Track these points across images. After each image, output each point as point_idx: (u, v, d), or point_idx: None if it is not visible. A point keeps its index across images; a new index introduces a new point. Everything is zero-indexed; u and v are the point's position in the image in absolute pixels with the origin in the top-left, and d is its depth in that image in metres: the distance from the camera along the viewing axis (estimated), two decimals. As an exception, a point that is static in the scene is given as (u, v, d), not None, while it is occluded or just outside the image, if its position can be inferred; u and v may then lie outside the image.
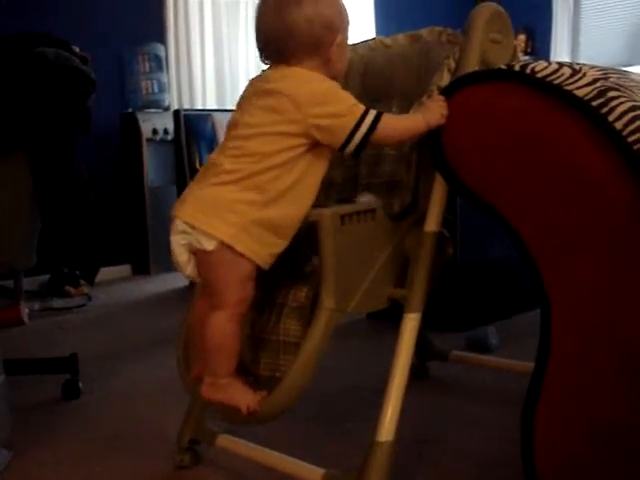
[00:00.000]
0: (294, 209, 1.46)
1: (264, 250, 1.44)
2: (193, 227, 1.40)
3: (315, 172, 1.48)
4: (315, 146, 1.45)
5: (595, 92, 1.28)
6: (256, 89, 1.50)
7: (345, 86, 1.87)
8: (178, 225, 1.43)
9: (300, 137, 1.42)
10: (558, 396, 1.34)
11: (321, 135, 1.42)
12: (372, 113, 1.43)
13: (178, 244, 1.43)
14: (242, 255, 1.41)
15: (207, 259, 1.42)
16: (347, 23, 1.51)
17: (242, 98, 1.53)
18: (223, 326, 1.45)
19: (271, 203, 1.42)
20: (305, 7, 1.43)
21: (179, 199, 1.48)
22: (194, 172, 4.05)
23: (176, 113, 4.43)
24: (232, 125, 1.50)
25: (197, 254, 1.44)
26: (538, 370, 1.36)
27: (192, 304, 1.69)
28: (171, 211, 1.47)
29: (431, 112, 1.49)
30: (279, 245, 1.46)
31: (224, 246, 1.39)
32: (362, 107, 1.44)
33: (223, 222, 1.39)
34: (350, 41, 1.55)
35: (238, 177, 1.41)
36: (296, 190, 1.44)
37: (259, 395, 1.48)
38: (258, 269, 1.46)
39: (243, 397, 1.47)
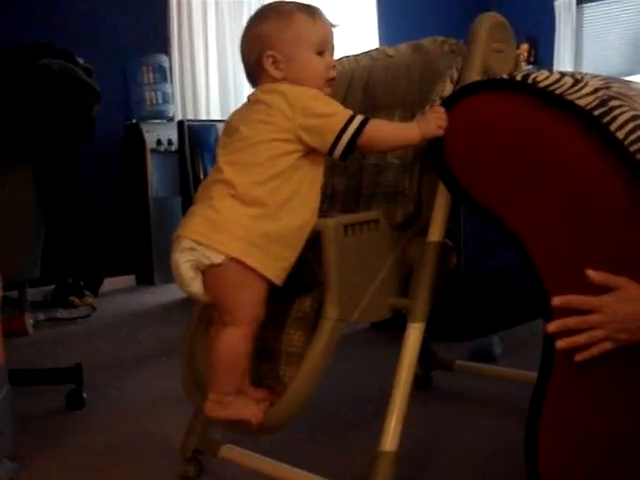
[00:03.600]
0: (298, 219, 1.46)
1: (275, 264, 1.44)
2: (200, 244, 1.40)
3: (312, 181, 1.49)
4: (308, 153, 1.46)
5: (597, 101, 1.29)
6: (248, 103, 1.54)
7: (347, 96, 1.89)
8: (183, 242, 1.42)
9: (292, 143, 1.44)
10: (561, 406, 1.34)
11: (309, 136, 1.43)
12: (359, 117, 1.45)
13: (184, 261, 1.42)
14: (253, 270, 1.40)
15: (217, 275, 1.41)
16: (288, 37, 1.49)
17: (237, 111, 1.57)
18: (237, 344, 1.45)
19: (274, 216, 1.42)
20: (245, 33, 1.55)
21: (184, 219, 1.48)
22: (198, 183, 4.05)
23: (180, 124, 4.44)
24: (230, 132, 1.52)
25: (206, 272, 1.43)
26: (541, 380, 1.36)
27: (194, 316, 1.69)
28: (176, 231, 1.46)
29: (427, 123, 1.49)
30: (288, 258, 1.46)
31: (233, 261, 1.39)
32: (349, 111, 1.47)
33: (230, 237, 1.39)
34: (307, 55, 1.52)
35: (238, 192, 1.41)
36: (296, 200, 1.45)
37: (263, 405, 1.48)
38: (271, 287, 1.45)
39: (249, 411, 1.47)
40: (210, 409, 1.51)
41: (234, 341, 1.44)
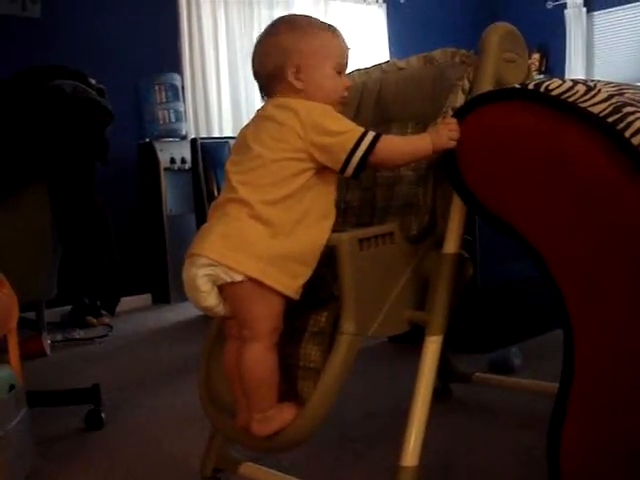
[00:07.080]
0: (314, 236, 1.46)
1: (293, 282, 1.44)
2: (220, 263, 1.40)
3: (326, 198, 1.49)
4: (321, 171, 1.46)
5: (611, 108, 1.28)
6: (259, 119, 1.53)
7: (359, 109, 1.89)
8: (202, 260, 1.41)
9: (305, 161, 1.44)
10: (583, 417, 1.32)
11: (321, 155, 1.44)
12: (371, 134, 1.45)
13: (203, 274, 1.41)
14: (271, 288, 1.41)
15: (237, 291, 1.42)
16: (313, 48, 1.50)
17: (247, 126, 1.56)
18: (262, 359, 1.44)
19: (290, 234, 1.42)
20: (263, 43, 1.54)
21: (197, 237, 1.47)
22: (212, 199, 4.05)
23: (193, 142, 4.46)
24: (241, 149, 1.52)
25: (225, 288, 1.43)
26: (562, 391, 1.34)
27: (210, 334, 1.69)
28: (191, 249, 1.45)
29: (438, 135, 1.49)
30: (305, 274, 1.46)
31: (252, 280, 1.40)
32: (361, 128, 1.46)
33: (249, 256, 1.40)
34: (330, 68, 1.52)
35: (255, 211, 1.41)
36: (310, 218, 1.45)
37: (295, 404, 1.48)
38: (288, 299, 1.45)
39: (288, 413, 1.46)
40: (258, 430, 1.47)
41: (259, 355, 1.44)
